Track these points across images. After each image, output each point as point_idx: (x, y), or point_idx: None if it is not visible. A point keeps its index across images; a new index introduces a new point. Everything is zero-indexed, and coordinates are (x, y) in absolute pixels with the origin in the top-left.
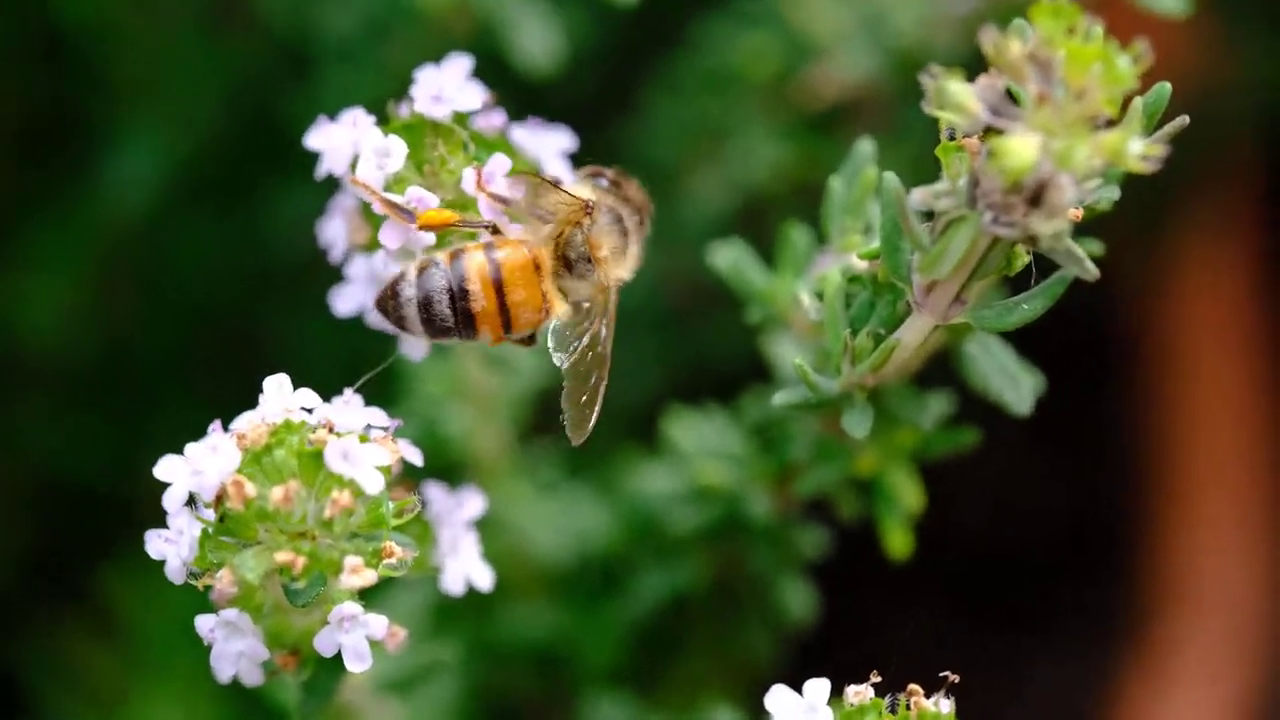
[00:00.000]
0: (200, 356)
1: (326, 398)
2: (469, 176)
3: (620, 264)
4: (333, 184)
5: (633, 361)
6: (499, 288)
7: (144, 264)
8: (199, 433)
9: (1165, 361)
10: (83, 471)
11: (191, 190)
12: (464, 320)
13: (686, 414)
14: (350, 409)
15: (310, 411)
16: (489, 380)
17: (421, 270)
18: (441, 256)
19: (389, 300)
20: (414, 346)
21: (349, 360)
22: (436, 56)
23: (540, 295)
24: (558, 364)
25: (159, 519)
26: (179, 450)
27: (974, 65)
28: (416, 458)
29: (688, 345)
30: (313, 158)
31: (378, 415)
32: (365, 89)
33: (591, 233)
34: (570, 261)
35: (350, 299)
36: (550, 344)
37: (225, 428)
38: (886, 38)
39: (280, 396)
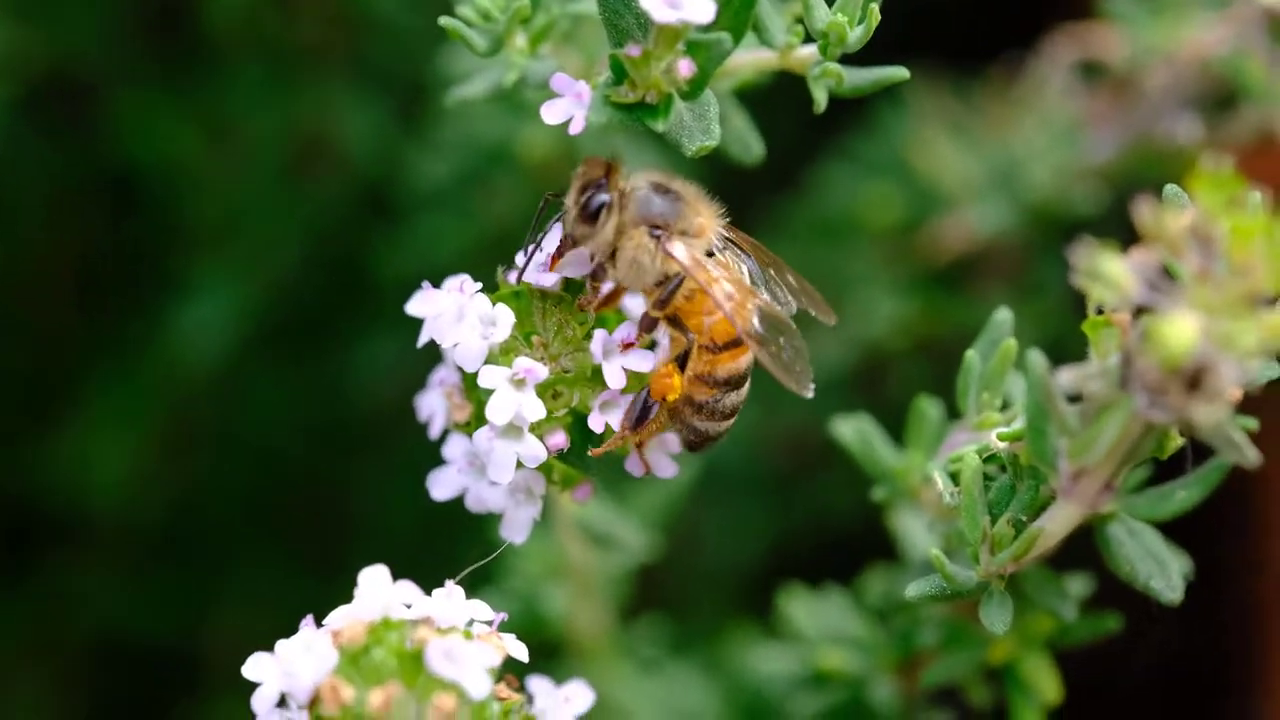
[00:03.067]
0: (273, 514)
1: (410, 565)
2: (598, 340)
3: (703, 222)
4: (426, 347)
5: (737, 525)
6: (734, 343)
7: (216, 417)
8: (270, 594)
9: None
10: (147, 631)
11: (267, 340)
12: (748, 380)
13: (802, 592)
14: (452, 602)
15: (409, 606)
16: (589, 557)
17: (699, 408)
18: (699, 394)
19: (705, 442)
20: (515, 529)
21: (431, 520)
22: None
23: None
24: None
25: (224, 681)
26: (249, 612)
27: (1112, 218)
28: (522, 653)
29: (794, 509)
30: (397, 307)
31: (481, 608)
32: (456, 237)
33: (678, 240)
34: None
35: (448, 484)
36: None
37: (319, 623)
38: (1020, 189)
39: (378, 591)
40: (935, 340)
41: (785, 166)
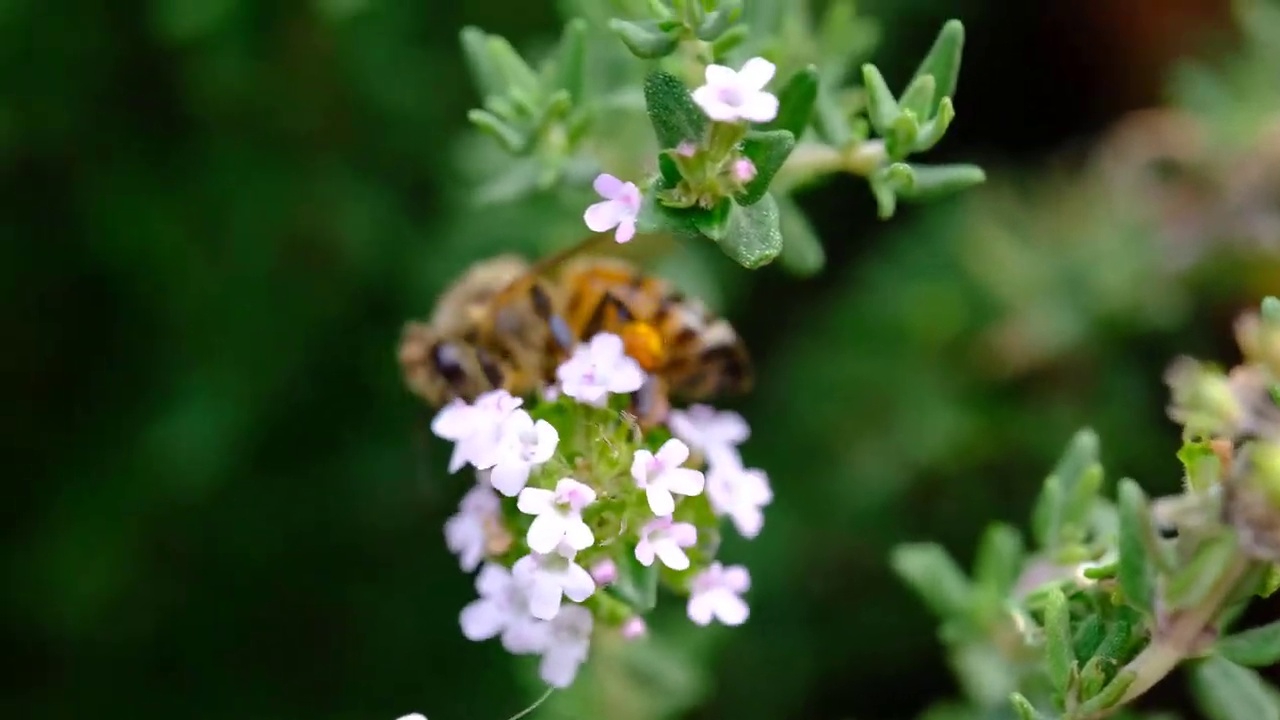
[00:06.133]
0: (264, 644)
1: (420, 705)
2: (641, 462)
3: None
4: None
5: (777, 658)
6: None
7: (202, 536)
8: None
9: None
10: None
11: (259, 454)
12: None
13: None
14: None
15: None
16: (631, 699)
17: None
18: None
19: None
20: (559, 669)
21: (439, 652)
22: None
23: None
24: None
25: None
26: None
27: (1191, 329)
28: None
29: (841, 640)
30: (400, 422)
31: None
32: None
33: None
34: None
35: (486, 621)
36: None
37: None
38: (1089, 296)
39: None
40: (995, 463)
41: (829, 268)
